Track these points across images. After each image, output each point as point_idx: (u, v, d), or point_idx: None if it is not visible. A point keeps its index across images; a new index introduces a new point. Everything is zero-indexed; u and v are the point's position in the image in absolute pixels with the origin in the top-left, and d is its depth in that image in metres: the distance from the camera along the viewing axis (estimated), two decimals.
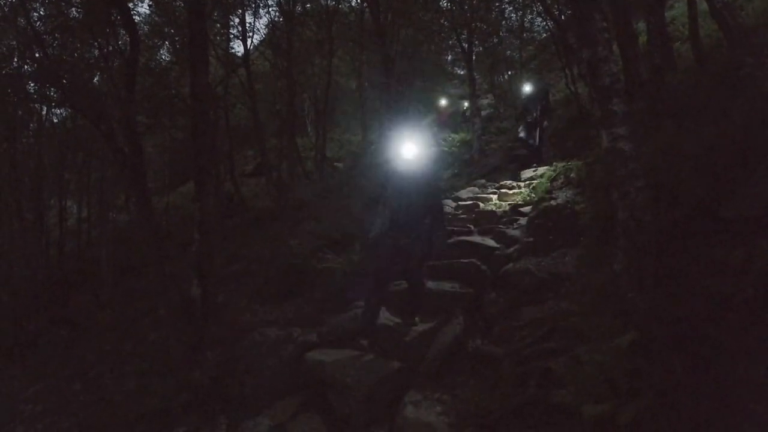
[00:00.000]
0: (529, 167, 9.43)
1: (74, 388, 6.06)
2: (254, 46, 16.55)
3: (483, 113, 14.82)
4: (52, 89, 9.33)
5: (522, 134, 9.93)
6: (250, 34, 15.84)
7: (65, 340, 8.30)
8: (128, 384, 5.61)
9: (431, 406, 3.59)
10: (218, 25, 13.71)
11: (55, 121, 14.51)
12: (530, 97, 9.98)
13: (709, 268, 2.65)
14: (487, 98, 17.96)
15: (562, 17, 10.34)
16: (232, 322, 5.80)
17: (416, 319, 4.38)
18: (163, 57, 14.55)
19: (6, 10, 9.43)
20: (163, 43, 14.11)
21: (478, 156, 12.44)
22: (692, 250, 2.85)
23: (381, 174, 4.22)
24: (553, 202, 6.12)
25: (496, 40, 15.66)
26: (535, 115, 9.57)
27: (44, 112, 13.24)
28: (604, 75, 2.57)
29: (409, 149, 4.07)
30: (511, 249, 5.70)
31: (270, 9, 15.37)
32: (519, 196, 7.86)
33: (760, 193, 2.67)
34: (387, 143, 4.49)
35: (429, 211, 4.08)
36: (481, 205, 7.94)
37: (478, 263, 5.34)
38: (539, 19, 14.17)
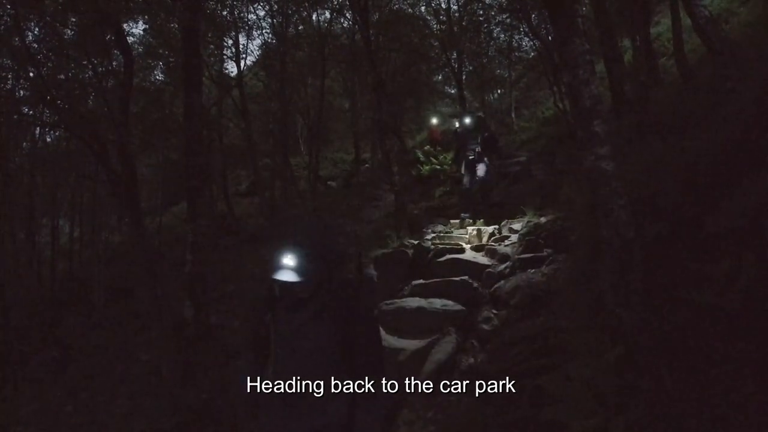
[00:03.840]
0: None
1: (66, 410, 5.99)
2: (248, 67, 16.79)
3: None
4: (46, 111, 9.36)
5: (465, 180, 8.04)
6: (244, 55, 16.03)
7: (57, 361, 8.21)
8: (120, 406, 5.56)
9: (425, 425, 3.58)
10: (212, 46, 13.88)
11: (49, 140, 14.57)
12: (468, 129, 8.03)
13: (696, 281, 2.68)
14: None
15: (549, 38, 10.54)
16: (224, 344, 5.78)
17: None
18: (157, 77, 14.71)
19: (1, 29, 9.48)
20: (157, 63, 14.26)
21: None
22: (678, 264, 2.89)
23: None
24: (543, 219, 6.19)
25: (485, 60, 15.90)
26: (477, 150, 7.86)
27: (38, 132, 13.30)
28: (586, 97, 2.63)
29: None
30: (503, 265, 5.73)
31: (263, 31, 15.64)
32: None
33: (744, 206, 2.70)
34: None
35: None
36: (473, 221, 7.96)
37: (471, 281, 5.38)
38: (527, 39, 14.42)
